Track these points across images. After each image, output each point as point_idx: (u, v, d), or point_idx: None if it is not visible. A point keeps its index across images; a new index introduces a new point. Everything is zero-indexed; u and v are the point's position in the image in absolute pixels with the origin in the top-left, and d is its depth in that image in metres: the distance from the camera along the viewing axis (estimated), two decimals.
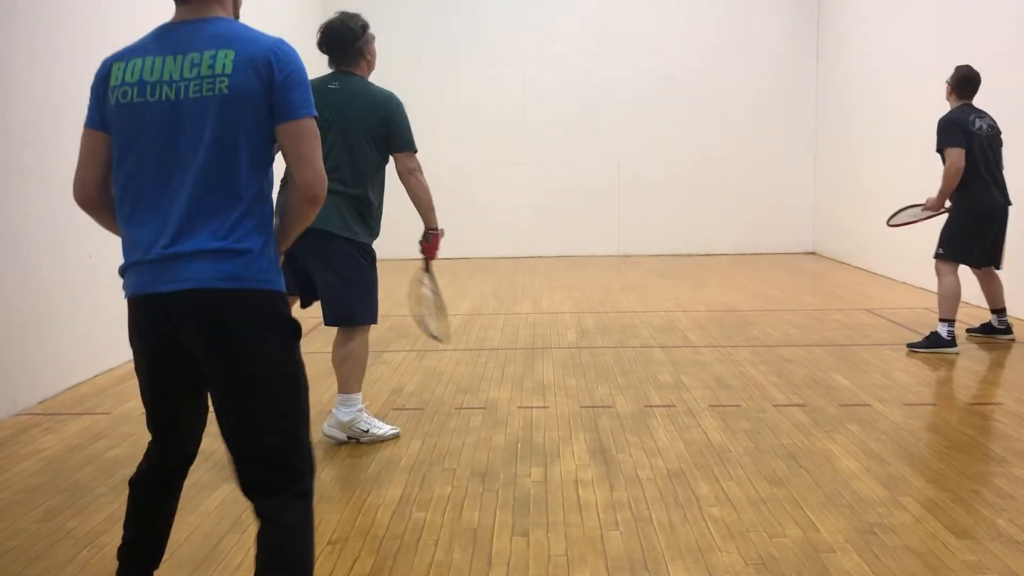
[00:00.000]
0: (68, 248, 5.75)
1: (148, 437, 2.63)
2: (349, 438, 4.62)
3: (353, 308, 4.54)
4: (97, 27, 6.07)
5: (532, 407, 5.29)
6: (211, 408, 2.51)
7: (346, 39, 4.49)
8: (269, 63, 2.34)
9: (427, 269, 4.86)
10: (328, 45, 4.53)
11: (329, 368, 4.88)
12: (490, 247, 12.89)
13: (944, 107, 6.82)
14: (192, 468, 2.74)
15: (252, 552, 2.39)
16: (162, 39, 2.42)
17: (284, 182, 3.59)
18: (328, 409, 4.84)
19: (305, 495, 2.42)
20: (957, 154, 6.43)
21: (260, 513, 2.40)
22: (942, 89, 6.90)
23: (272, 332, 2.38)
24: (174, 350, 2.40)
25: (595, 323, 7.91)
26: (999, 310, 6.87)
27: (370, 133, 4.44)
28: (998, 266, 6.75)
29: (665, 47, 12.89)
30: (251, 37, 2.39)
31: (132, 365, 2.56)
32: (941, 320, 6.55)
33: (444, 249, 4.81)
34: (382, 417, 4.95)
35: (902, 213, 7.00)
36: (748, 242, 13.12)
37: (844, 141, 12.00)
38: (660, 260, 12.56)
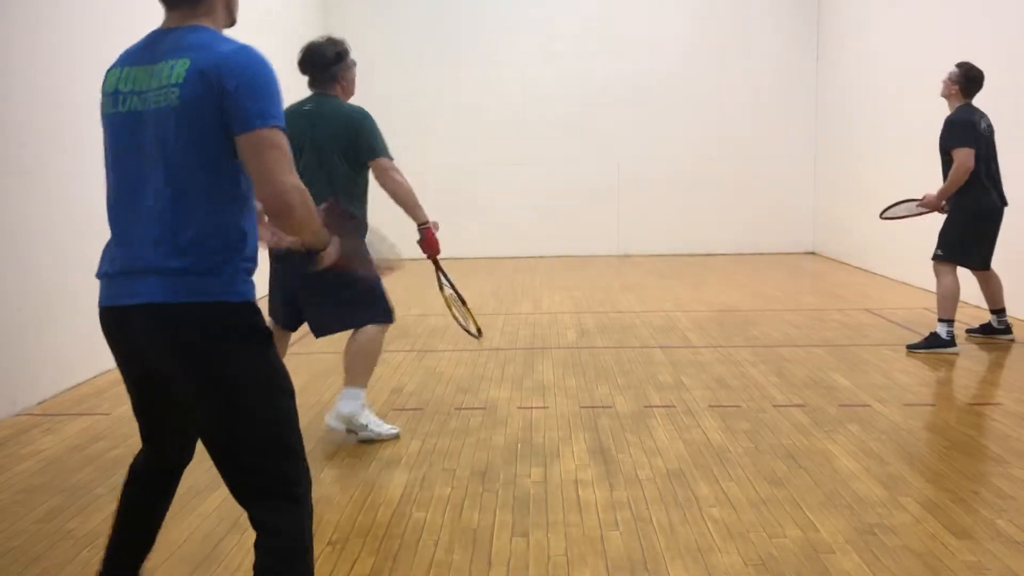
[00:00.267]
0: (67, 248, 5.75)
1: None
2: (348, 431, 4.64)
3: (342, 316, 4.58)
4: (97, 27, 6.06)
5: (532, 407, 5.29)
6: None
7: (320, 63, 4.57)
8: (219, 71, 2.20)
9: (439, 269, 4.85)
10: (303, 67, 4.62)
11: (330, 368, 4.89)
12: (490, 247, 12.88)
13: (944, 106, 6.80)
14: (190, 469, 2.74)
15: (252, 553, 2.39)
16: (146, 48, 2.35)
17: None
18: (328, 409, 4.84)
19: (297, 500, 2.36)
20: (967, 154, 6.40)
21: (253, 521, 2.37)
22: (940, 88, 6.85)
23: (237, 341, 2.30)
24: (143, 362, 2.38)
25: (595, 323, 7.91)
26: (999, 310, 6.87)
27: (342, 149, 4.49)
28: (987, 265, 6.74)
29: (665, 47, 12.88)
30: (209, 45, 2.25)
31: None
32: (940, 320, 6.55)
33: (444, 249, 4.77)
34: (382, 417, 4.95)
35: (897, 207, 6.98)
36: (748, 242, 13.12)
37: (844, 141, 12.00)
38: (660, 260, 12.56)
